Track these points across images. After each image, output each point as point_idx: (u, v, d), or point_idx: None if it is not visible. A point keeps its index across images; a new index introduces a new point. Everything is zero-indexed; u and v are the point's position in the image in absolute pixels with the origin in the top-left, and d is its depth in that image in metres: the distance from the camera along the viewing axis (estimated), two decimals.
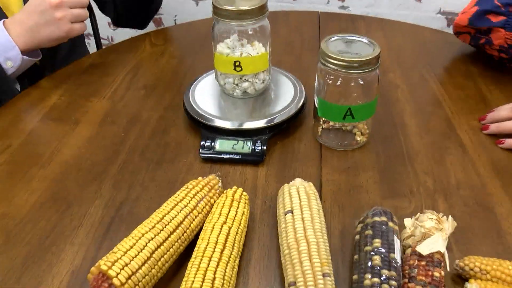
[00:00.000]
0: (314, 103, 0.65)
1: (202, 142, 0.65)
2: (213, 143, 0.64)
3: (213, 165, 0.63)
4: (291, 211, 0.48)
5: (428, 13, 1.32)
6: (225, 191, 0.52)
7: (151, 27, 1.29)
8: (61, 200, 0.58)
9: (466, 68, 0.85)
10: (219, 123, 0.65)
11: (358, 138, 0.66)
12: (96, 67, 0.89)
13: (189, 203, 0.49)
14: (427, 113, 0.74)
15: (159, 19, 1.51)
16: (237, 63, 0.66)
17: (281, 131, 0.67)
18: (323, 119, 0.67)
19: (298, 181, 0.53)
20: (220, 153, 0.64)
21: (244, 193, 0.52)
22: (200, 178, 0.53)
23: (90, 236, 0.53)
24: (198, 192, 0.51)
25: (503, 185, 0.59)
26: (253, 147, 0.64)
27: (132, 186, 0.60)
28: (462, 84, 0.81)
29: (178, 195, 0.50)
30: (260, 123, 0.65)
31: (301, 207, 0.48)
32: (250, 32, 0.67)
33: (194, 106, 0.69)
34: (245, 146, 0.64)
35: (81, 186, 0.60)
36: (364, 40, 0.61)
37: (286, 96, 0.70)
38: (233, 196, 0.51)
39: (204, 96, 0.71)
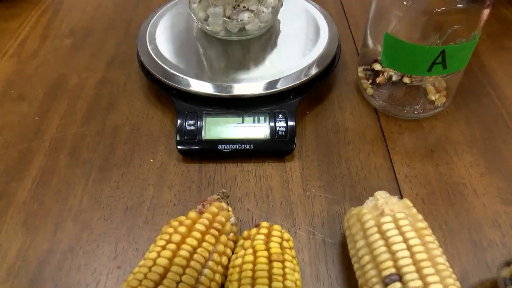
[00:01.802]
0: (366, 41, 0.38)
1: (179, 122, 0.37)
2: (198, 124, 0.37)
3: (203, 165, 0.36)
4: (399, 278, 0.23)
5: None
6: (245, 235, 0.26)
7: None
8: None
9: None
10: (202, 86, 0.37)
11: (433, 98, 0.41)
12: None
13: (181, 280, 0.23)
14: (509, 50, 0.50)
15: None
16: None
17: (311, 94, 0.40)
18: (368, 66, 0.41)
19: (384, 199, 0.27)
20: (213, 142, 0.36)
21: (286, 235, 0.26)
22: (193, 214, 0.26)
23: None
24: (195, 250, 0.24)
25: None
26: (273, 125, 0.37)
27: (60, 223, 0.32)
28: None
29: (155, 263, 0.23)
30: (279, 83, 0.38)
31: (418, 265, 0.23)
32: None
33: (157, 60, 0.40)
34: (258, 127, 0.37)
35: None
36: None
37: (308, 33, 0.43)
38: (268, 249, 0.25)
39: (172, 41, 0.42)
